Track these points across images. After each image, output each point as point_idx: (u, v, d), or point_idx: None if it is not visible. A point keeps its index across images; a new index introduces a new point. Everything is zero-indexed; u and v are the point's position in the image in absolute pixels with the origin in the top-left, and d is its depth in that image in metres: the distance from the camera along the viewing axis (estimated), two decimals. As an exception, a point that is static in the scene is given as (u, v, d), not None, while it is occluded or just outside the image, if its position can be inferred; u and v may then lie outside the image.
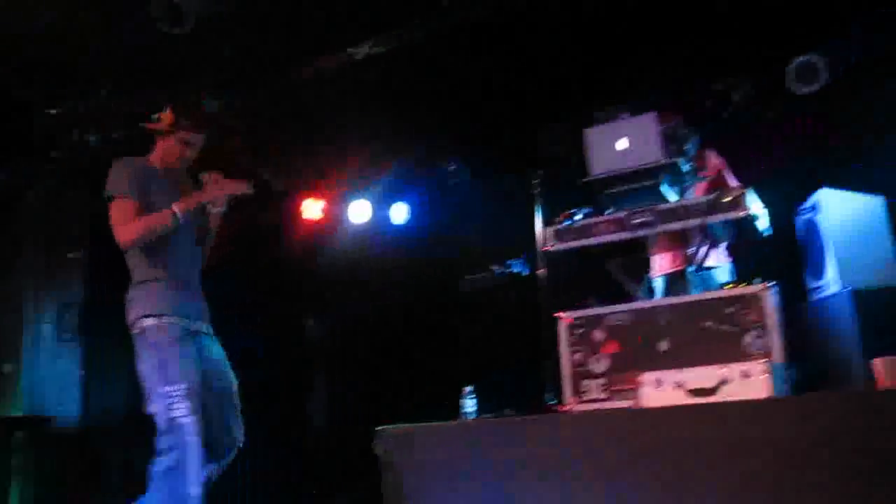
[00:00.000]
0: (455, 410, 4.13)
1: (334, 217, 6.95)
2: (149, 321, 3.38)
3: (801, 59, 4.95)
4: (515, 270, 5.44)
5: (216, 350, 3.56)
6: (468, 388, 4.17)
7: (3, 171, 6.02)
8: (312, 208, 6.86)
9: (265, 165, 6.46)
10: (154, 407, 3.24)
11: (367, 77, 5.35)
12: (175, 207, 3.40)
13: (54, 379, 6.26)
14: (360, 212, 6.90)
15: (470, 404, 4.12)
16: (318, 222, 6.94)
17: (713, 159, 4.54)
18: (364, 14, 4.84)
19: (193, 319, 3.47)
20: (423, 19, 4.89)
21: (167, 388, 3.22)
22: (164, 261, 3.49)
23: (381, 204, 6.91)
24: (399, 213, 6.93)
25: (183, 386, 3.22)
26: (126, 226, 3.42)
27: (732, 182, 4.38)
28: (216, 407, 3.43)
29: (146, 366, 3.35)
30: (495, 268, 5.55)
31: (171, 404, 3.19)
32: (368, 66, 5.18)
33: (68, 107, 5.59)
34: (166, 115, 3.54)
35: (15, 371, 6.14)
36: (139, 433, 6.74)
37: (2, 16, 4.69)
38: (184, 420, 3.18)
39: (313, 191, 6.88)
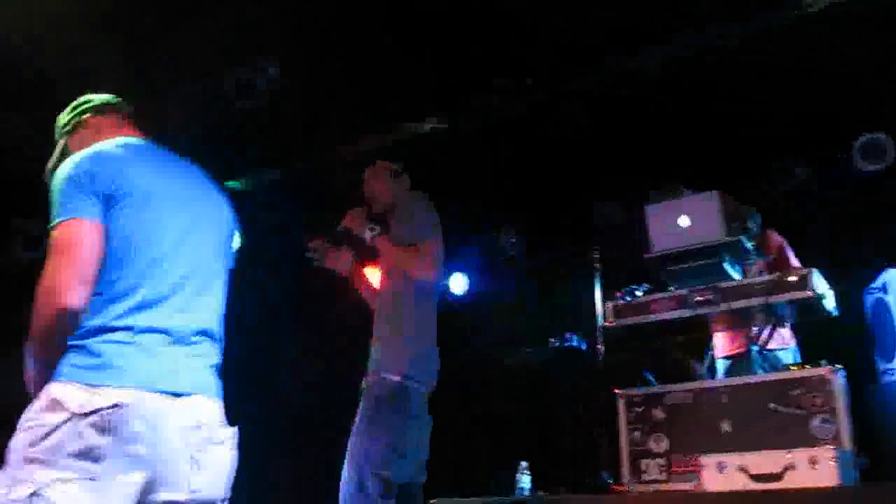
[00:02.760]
0: (509, 486, 4.07)
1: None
2: None
3: (867, 136, 4.90)
4: (573, 345, 5.39)
5: None
6: (523, 464, 4.12)
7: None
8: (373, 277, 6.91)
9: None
10: None
11: (427, 150, 5.46)
12: None
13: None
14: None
15: (525, 480, 4.07)
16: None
17: (775, 238, 4.49)
18: (428, 91, 4.98)
19: None
20: (485, 97, 5.00)
21: None
22: None
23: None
24: (458, 283, 6.95)
25: None
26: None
27: (794, 261, 4.32)
28: None
29: None
30: (552, 341, 5.51)
31: None
32: (430, 140, 5.30)
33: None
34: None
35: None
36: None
37: (75, 84, 4.91)
38: None
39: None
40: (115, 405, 1.75)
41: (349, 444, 3.09)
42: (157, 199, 2.01)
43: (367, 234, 3.43)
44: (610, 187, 5.96)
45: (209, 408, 1.97)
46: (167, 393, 1.86)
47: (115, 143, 2.11)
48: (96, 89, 4.71)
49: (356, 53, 4.70)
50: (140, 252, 1.94)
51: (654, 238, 3.74)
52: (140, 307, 1.89)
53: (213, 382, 2.04)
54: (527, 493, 4.04)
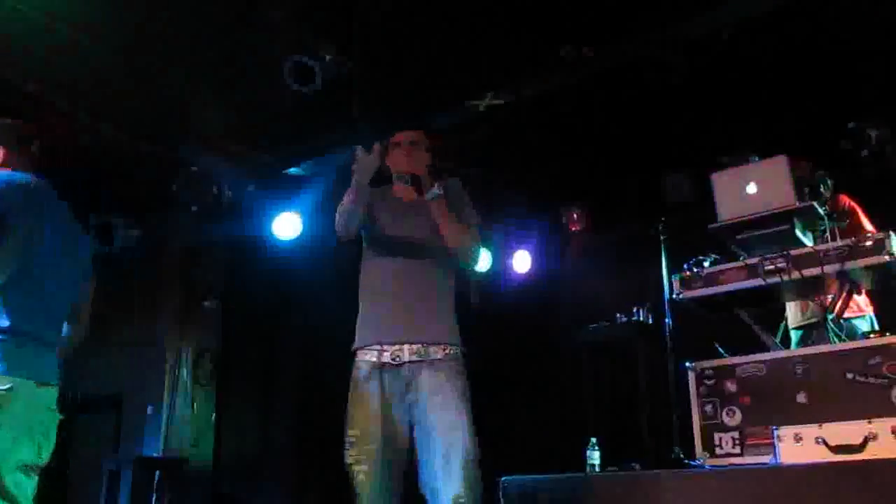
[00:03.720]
0: (580, 462, 4.06)
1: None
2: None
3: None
4: (640, 319, 5.32)
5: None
6: (593, 440, 4.09)
7: (147, 223, 6.42)
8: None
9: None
10: None
11: (488, 128, 5.43)
12: None
13: (191, 421, 6.55)
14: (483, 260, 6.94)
15: (595, 456, 4.04)
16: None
17: (848, 202, 4.33)
18: (484, 68, 4.94)
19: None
20: (544, 72, 4.93)
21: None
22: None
23: (503, 252, 6.91)
24: (522, 261, 6.92)
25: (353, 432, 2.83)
26: None
27: (869, 226, 4.17)
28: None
29: None
30: (620, 316, 5.44)
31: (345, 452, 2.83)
32: (490, 117, 5.26)
33: (208, 163, 5.93)
34: None
35: (156, 412, 6.46)
36: (269, 477, 6.98)
37: (144, 79, 5.05)
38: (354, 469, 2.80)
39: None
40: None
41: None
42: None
43: (436, 191, 2.91)
44: (676, 158, 5.84)
45: None
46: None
47: None
48: (164, 84, 4.81)
49: (409, 34, 4.69)
50: None
51: (721, 207, 3.65)
52: None
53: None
54: (598, 469, 4.02)
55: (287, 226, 6.13)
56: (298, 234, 6.15)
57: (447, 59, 4.85)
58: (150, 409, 6.48)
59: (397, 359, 2.84)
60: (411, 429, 2.83)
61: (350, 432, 2.82)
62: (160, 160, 5.95)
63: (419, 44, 4.75)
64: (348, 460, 2.80)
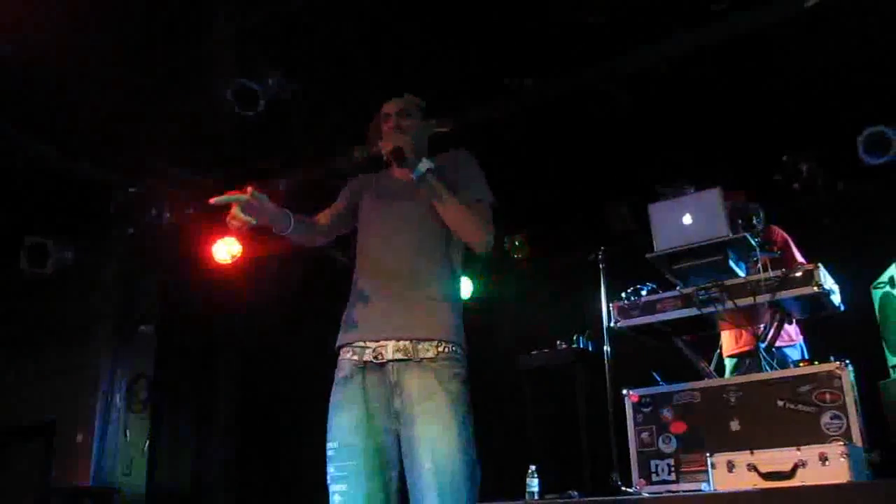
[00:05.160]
0: (520, 490, 4.06)
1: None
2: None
3: (871, 129, 4.87)
4: (580, 346, 5.37)
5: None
6: (532, 467, 4.10)
7: (80, 247, 6.27)
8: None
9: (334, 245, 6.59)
10: None
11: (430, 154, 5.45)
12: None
13: (123, 449, 6.37)
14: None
15: (534, 484, 4.05)
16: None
17: (780, 233, 4.46)
18: (427, 94, 4.96)
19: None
20: (487, 101, 4.99)
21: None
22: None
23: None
24: (464, 287, 6.92)
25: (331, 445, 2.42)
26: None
27: (799, 257, 4.30)
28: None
29: None
30: (560, 343, 5.49)
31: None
32: (433, 144, 5.28)
33: (145, 186, 5.83)
34: None
35: (86, 440, 6.27)
36: (203, 505, 6.81)
37: (82, 99, 4.95)
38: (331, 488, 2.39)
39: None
40: None
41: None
42: None
43: (424, 165, 2.49)
44: (615, 188, 5.94)
45: None
46: None
47: None
48: (104, 103, 4.74)
49: (353, 58, 4.70)
50: None
51: (658, 237, 3.73)
52: None
53: None
54: (536, 496, 4.02)
55: (226, 249, 6.05)
56: (237, 257, 6.08)
57: (391, 84, 4.87)
58: (80, 437, 6.29)
59: (379, 357, 2.42)
60: (398, 440, 2.40)
61: (329, 445, 2.40)
62: (98, 181, 5.82)
63: (363, 68, 4.75)
64: (327, 477, 2.39)
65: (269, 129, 5.15)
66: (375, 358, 2.43)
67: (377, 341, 2.44)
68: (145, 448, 6.49)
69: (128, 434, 6.41)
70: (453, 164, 2.66)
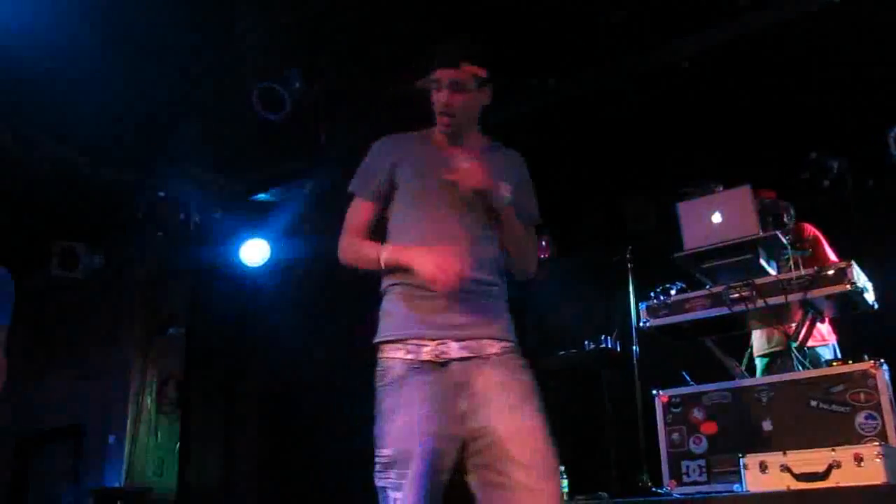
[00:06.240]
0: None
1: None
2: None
3: (902, 125, 4.79)
4: (608, 346, 5.34)
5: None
6: (560, 468, 4.08)
7: (109, 251, 6.35)
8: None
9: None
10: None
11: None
12: (383, 252, 2.33)
13: (154, 450, 6.44)
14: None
15: (563, 485, 4.02)
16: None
17: (811, 231, 4.41)
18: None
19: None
20: (509, 100, 4.97)
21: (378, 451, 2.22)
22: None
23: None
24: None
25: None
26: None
27: (831, 255, 4.24)
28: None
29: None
30: (587, 343, 5.45)
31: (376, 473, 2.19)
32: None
33: (173, 190, 5.88)
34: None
35: (119, 442, 6.35)
36: (233, 506, 6.86)
37: (109, 104, 5.00)
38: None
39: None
40: None
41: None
42: None
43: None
44: (642, 185, 5.90)
45: None
46: None
47: None
48: (130, 108, 4.77)
49: (378, 61, 4.71)
50: None
51: (687, 236, 3.70)
52: None
53: None
54: (566, 497, 4.00)
55: (254, 252, 6.09)
56: (265, 260, 6.12)
57: (415, 89, 4.86)
58: (111, 439, 6.36)
59: (442, 356, 2.21)
60: (463, 447, 2.18)
61: (384, 451, 2.16)
62: (126, 185, 5.89)
63: (387, 71, 4.76)
64: (382, 483, 2.16)
65: (294, 132, 5.18)
66: (437, 357, 2.21)
67: (438, 339, 2.23)
68: (176, 449, 6.56)
69: (158, 435, 6.48)
70: (511, 167, 2.54)
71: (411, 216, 2.38)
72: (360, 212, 2.47)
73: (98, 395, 6.61)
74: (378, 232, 2.45)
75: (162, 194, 5.84)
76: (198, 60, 4.76)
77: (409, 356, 2.23)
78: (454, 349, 2.23)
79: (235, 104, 4.88)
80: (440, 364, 2.21)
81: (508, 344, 2.31)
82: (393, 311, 2.32)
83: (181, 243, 6.22)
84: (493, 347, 2.27)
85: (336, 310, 6.65)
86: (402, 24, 4.44)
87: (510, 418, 2.17)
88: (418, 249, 2.24)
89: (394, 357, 2.25)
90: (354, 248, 2.41)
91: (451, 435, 2.16)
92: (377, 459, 2.17)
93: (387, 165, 2.43)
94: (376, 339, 2.31)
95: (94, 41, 4.45)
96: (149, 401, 6.53)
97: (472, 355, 2.24)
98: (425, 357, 2.21)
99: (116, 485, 6.16)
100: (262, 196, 6.21)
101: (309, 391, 6.83)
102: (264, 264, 6.14)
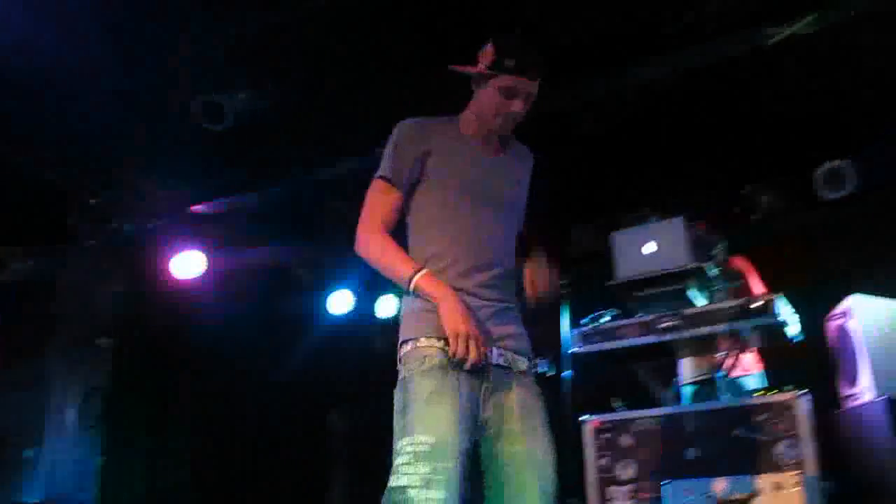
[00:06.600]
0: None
1: (360, 311, 6.98)
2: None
3: (829, 164, 4.98)
4: (541, 371, 5.38)
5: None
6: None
7: (39, 257, 6.17)
8: (339, 303, 6.89)
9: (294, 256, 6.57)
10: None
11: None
12: (416, 275, 2.20)
13: (74, 466, 6.24)
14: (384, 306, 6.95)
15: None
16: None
17: (741, 264, 4.53)
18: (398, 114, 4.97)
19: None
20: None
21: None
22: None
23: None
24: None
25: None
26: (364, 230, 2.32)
27: (760, 288, 4.36)
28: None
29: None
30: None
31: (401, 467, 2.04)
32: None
33: (108, 197, 5.75)
34: (486, 52, 2.34)
35: (36, 456, 6.13)
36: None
37: (44, 106, 4.88)
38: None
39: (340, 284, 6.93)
40: None
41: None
42: None
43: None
44: (584, 212, 5.98)
45: None
46: None
47: None
48: (67, 112, 4.69)
49: (327, 73, 4.69)
50: None
51: (621, 264, 3.77)
52: None
53: None
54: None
55: (190, 264, 5.98)
56: (201, 271, 6.01)
57: (364, 99, 4.85)
58: (30, 453, 6.14)
59: (485, 358, 2.13)
60: (475, 450, 2.13)
61: (422, 438, 2.00)
62: (59, 190, 5.74)
63: (337, 85, 4.74)
64: (405, 481, 1.98)
65: (237, 143, 5.12)
66: (479, 358, 2.12)
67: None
68: (98, 464, 6.37)
69: (80, 450, 6.29)
70: (522, 163, 2.60)
71: (446, 215, 2.29)
72: (388, 201, 2.31)
73: (18, 408, 6.39)
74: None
75: (94, 201, 5.70)
76: (140, 69, 4.68)
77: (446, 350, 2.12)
78: (494, 355, 2.20)
79: (176, 115, 4.80)
80: (480, 366, 2.13)
81: (531, 365, 2.32)
82: (431, 311, 2.18)
83: (114, 252, 6.08)
84: (523, 364, 2.27)
85: (272, 324, 6.57)
86: (345, 40, 4.43)
87: (531, 442, 2.16)
88: (453, 300, 2.14)
89: (435, 346, 2.14)
90: (384, 252, 2.27)
91: (472, 437, 2.11)
92: (407, 449, 2.02)
93: (419, 153, 2.31)
94: (408, 336, 2.20)
95: (33, 41, 4.34)
96: (72, 414, 6.32)
97: (507, 365, 2.22)
98: (468, 355, 2.09)
99: (35, 500, 5.95)
100: (200, 207, 6.11)
101: (239, 409, 6.73)
102: (200, 276, 6.03)
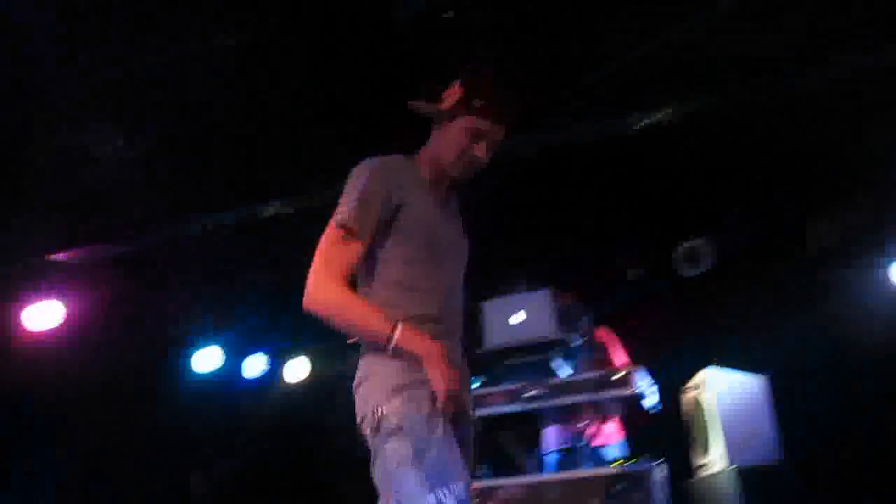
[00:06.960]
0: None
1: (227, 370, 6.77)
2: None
3: (687, 243, 5.26)
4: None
5: None
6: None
7: None
8: (206, 362, 6.64)
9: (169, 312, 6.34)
10: None
11: (271, 233, 5.38)
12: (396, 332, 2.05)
13: None
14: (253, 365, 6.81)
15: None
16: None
17: (605, 335, 4.69)
18: (265, 177, 4.92)
19: None
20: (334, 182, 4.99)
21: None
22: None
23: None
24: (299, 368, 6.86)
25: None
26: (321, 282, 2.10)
27: (622, 358, 4.52)
28: None
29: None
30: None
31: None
32: (274, 223, 5.21)
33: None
34: (454, 91, 2.20)
35: None
36: None
37: None
38: None
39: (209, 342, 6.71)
40: None
41: None
42: None
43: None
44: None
45: None
46: None
47: None
48: None
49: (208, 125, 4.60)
50: None
51: (488, 333, 3.83)
52: None
53: None
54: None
55: (44, 315, 5.63)
56: (55, 324, 5.67)
57: (237, 164, 4.79)
58: None
59: (467, 408, 2.18)
60: None
61: (453, 486, 1.93)
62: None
63: (219, 139, 4.66)
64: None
65: (103, 192, 4.93)
66: (463, 408, 2.08)
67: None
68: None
69: None
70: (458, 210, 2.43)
71: (419, 267, 2.15)
72: (349, 252, 2.10)
73: None
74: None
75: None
76: (9, 112, 4.46)
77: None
78: (471, 404, 2.21)
79: (41, 160, 4.59)
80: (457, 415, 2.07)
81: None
82: (417, 370, 2.05)
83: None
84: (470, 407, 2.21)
85: (134, 376, 6.29)
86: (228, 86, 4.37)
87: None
88: (439, 355, 2.03)
89: (421, 391, 2.03)
90: (349, 308, 2.07)
91: None
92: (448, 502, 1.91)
93: (390, 200, 2.12)
94: (392, 390, 2.04)
95: None
96: None
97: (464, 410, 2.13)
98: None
99: None
100: (58, 256, 5.81)
101: (103, 468, 6.36)
102: (53, 329, 5.69)
